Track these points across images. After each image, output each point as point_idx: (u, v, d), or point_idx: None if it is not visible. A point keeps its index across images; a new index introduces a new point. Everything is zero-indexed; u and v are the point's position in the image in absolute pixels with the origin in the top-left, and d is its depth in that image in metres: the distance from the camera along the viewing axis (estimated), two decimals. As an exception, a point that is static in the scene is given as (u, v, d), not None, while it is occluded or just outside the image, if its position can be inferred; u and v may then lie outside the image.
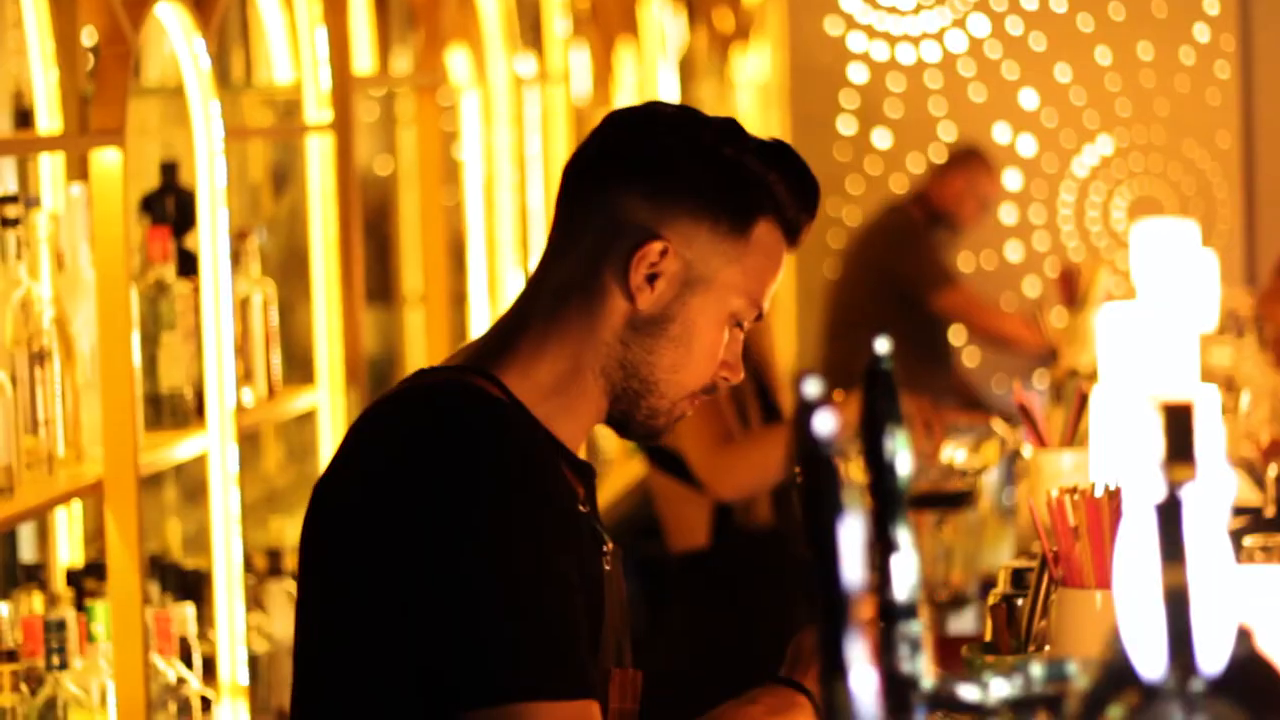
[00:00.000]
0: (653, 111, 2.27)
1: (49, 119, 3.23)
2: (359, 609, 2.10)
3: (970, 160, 7.28)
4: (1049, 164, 7.97)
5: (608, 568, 2.19)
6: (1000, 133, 7.95)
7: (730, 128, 2.20)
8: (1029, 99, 7.96)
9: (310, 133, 4.01)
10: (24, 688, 2.95)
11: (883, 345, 1.38)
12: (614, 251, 2.15)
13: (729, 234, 2.16)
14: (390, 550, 2.07)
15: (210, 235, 3.50)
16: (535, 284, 2.21)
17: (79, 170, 3.37)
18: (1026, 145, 7.97)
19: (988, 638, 3.26)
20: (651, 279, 2.15)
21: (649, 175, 2.17)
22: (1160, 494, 1.09)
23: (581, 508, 2.16)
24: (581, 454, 2.25)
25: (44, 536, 3.52)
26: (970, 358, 7.88)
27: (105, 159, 3.19)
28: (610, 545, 2.20)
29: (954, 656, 2.83)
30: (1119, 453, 3.00)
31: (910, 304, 6.90)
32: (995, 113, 7.95)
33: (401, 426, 2.12)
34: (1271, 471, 4.18)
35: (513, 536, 2.05)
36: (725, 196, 2.16)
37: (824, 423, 1.12)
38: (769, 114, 8.13)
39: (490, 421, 2.09)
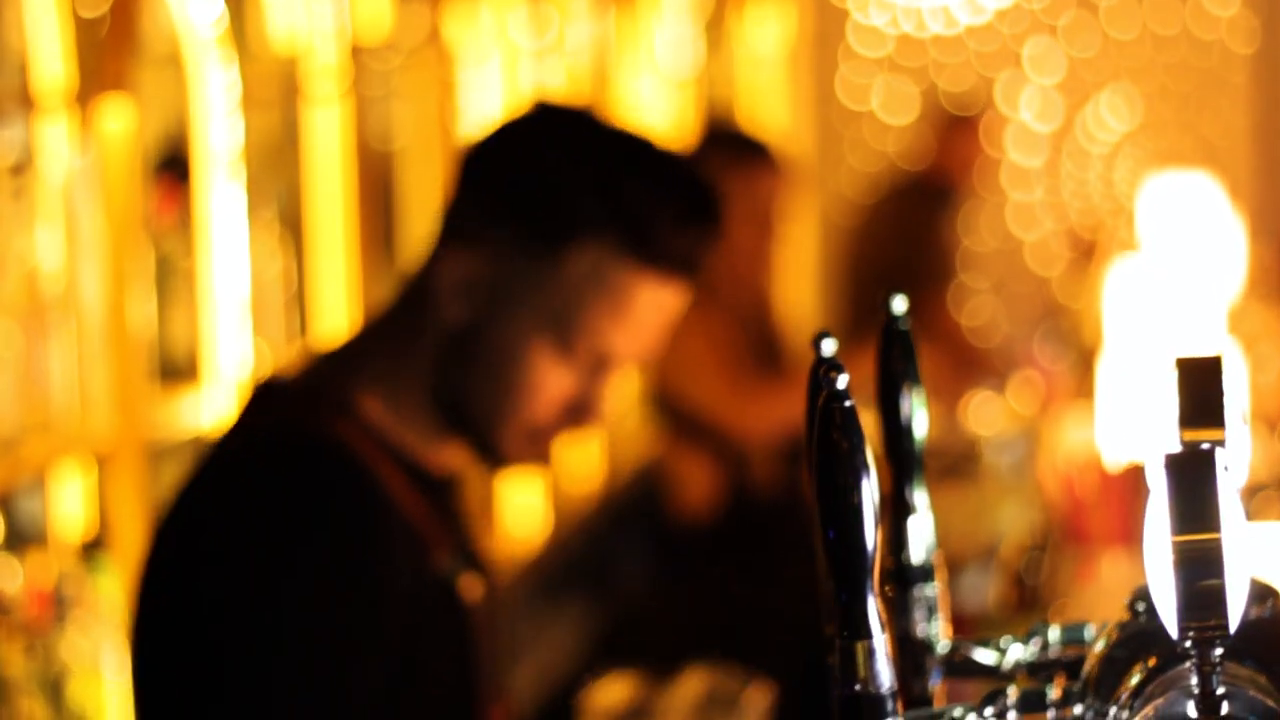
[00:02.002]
0: (543, 116, 2.06)
1: (60, 77, 3.22)
2: (150, 666, 1.93)
3: (956, 123, 7.25)
4: (1064, 133, 7.94)
5: (469, 598, 2.00)
6: (1014, 102, 7.93)
7: (607, 139, 2.00)
8: (1043, 68, 7.92)
9: (317, 103, 4.00)
10: (32, 652, 2.95)
11: (899, 304, 1.36)
12: (437, 256, 1.99)
13: (542, 251, 1.95)
14: (183, 623, 1.89)
15: (221, 197, 3.49)
16: (406, 282, 2.06)
17: (89, 130, 3.36)
18: (1041, 115, 7.94)
19: (998, 603, 3.25)
20: (461, 292, 1.96)
21: (483, 177, 2.00)
22: (1179, 453, 1.07)
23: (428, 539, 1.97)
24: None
25: (48, 502, 3.51)
26: (981, 314, 7.86)
27: (115, 118, 3.18)
28: (472, 572, 2.01)
29: (957, 624, 2.83)
30: (1133, 413, 2.99)
31: (919, 273, 6.88)
32: (1005, 83, 7.92)
33: (229, 489, 1.92)
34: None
35: (309, 653, 1.85)
36: (539, 209, 1.96)
37: (840, 382, 1.10)
38: (783, 85, 8.10)
39: (318, 492, 1.88)
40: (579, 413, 1.98)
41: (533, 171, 1.97)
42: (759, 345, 4.13)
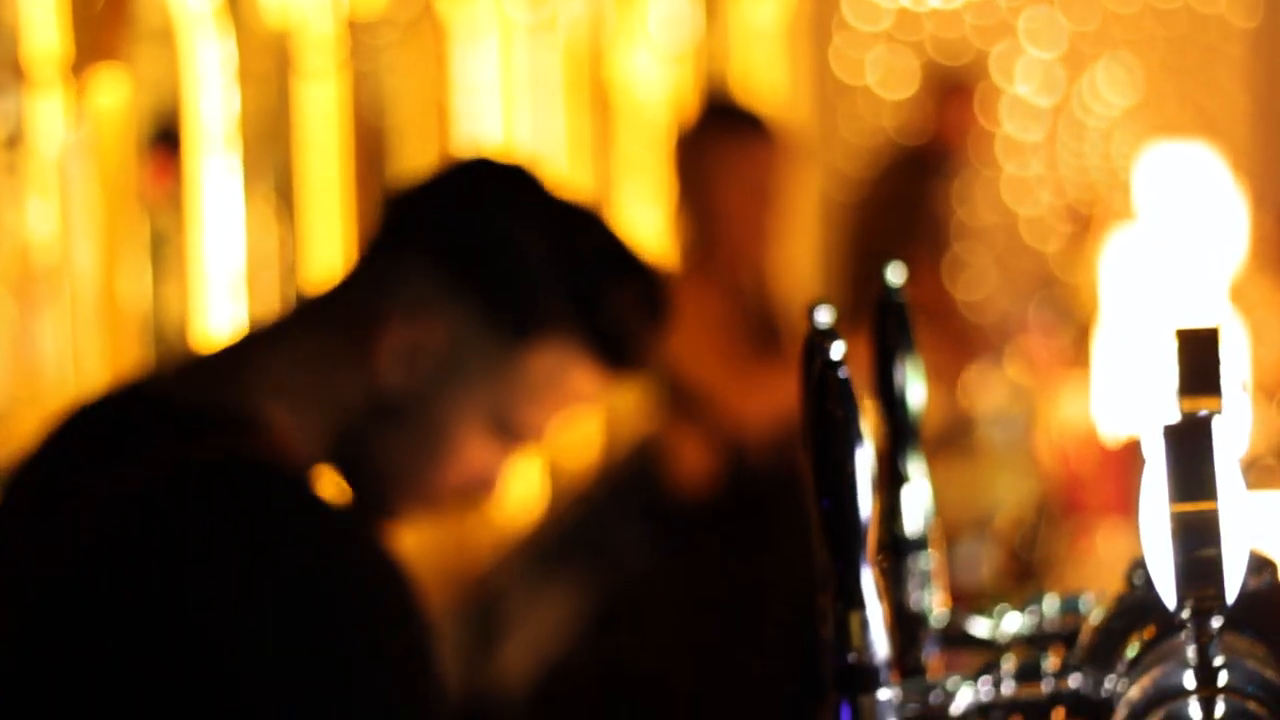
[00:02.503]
0: (492, 176, 1.99)
1: (54, 49, 3.21)
2: None
3: (963, 94, 7.24)
4: (1062, 109, 7.93)
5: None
6: (1012, 76, 7.92)
7: (572, 222, 1.94)
8: (1042, 41, 7.92)
9: (312, 78, 3.99)
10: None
11: (895, 275, 1.36)
12: (376, 311, 1.88)
13: (508, 340, 1.88)
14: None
15: (215, 172, 3.49)
16: (308, 312, 1.96)
17: (83, 102, 3.35)
18: (1040, 89, 7.93)
19: (993, 575, 3.25)
20: (405, 358, 1.87)
21: (443, 245, 1.89)
22: (1178, 422, 1.06)
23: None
24: None
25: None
26: (980, 286, 7.85)
27: (110, 91, 3.17)
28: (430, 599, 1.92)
29: (953, 594, 2.82)
30: (1130, 385, 2.98)
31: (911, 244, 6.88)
32: (1008, 56, 7.91)
33: (190, 523, 1.73)
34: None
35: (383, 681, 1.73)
36: (513, 297, 1.89)
37: (834, 351, 1.09)
38: (781, 60, 8.09)
39: (316, 521, 1.77)
40: (482, 484, 1.93)
41: (502, 252, 1.90)
42: (757, 322, 4.10)
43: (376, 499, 1.90)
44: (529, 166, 2.03)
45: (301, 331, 1.91)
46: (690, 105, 6.87)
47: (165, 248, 3.45)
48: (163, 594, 1.70)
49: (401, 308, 1.87)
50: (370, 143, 5.33)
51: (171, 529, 1.73)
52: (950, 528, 3.94)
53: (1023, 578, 3.26)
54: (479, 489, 1.94)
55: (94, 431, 1.83)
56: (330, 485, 1.88)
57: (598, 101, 6.37)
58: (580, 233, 1.93)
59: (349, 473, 1.89)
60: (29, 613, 1.75)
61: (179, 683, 1.68)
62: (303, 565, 1.74)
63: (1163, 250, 3.47)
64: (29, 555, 1.78)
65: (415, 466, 1.88)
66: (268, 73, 4.72)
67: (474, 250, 1.89)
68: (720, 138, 4.04)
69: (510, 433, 1.91)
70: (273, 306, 3.77)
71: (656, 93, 6.53)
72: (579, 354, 1.91)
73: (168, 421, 1.80)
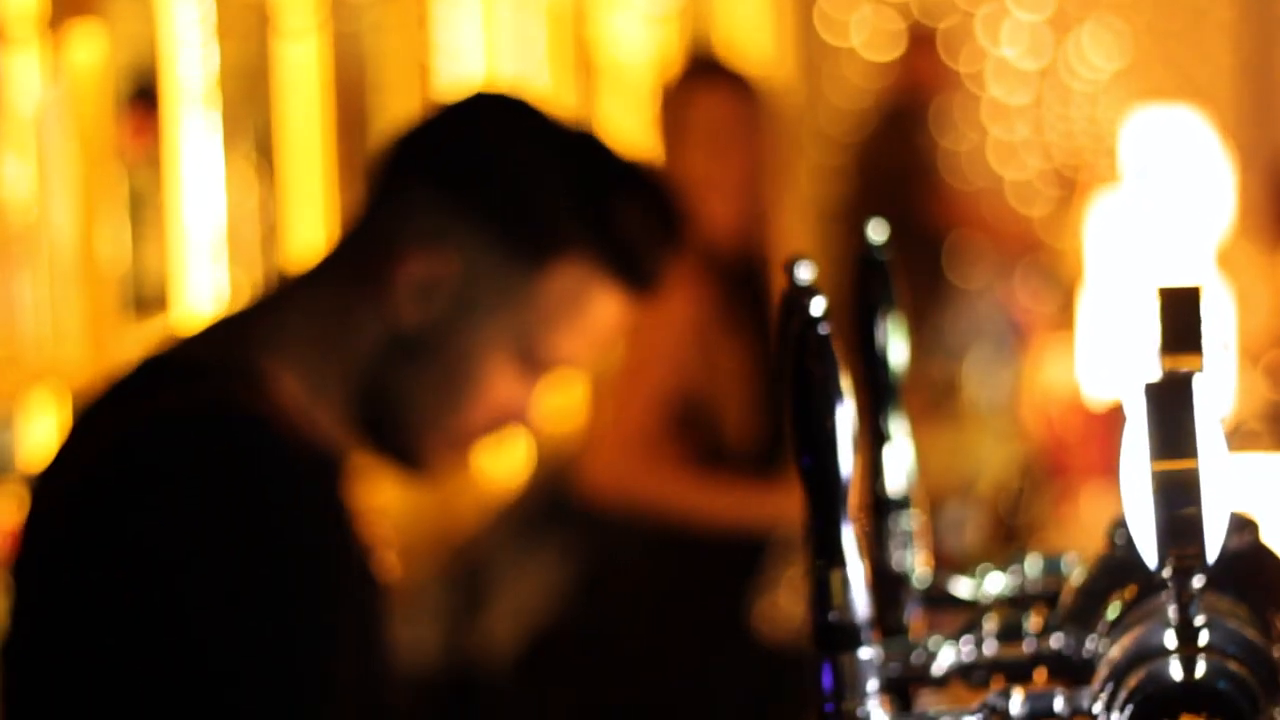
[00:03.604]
0: (495, 106, 1.97)
1: (30, 4, 3.19)
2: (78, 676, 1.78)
3: (929, 41, 7.26)
4: (1049, 72, 7.93)
5: (384, 579, 1.92)
6: (998, 39, 7.91)
7: (577, 144, 1.93)
8: (1029, 4, 7.91)
9: (290, 37, 3.98)
10: (2, 585, 2.94)
11: (878, 231, 1.35)
12: (390, 248, 1.87)
13: (525, 264, 1.88)
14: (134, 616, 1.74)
15: (194, 130, 3.48)
16: (322, 260, 1.93)
17: (60, 59, 3.33)
18: (1026, 53, 7.92)
19: (976, 537, 3.25)
20: (424, 292, 1.86)
21: (454, 175, 1.89)
22: (1159, 380, 1.05)
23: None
24: None
25: (18, 434, 3.50)
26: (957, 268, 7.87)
27: (87, 47, 3.16)
28: (393, 559, 1.92)
29: (936, 557, 2.81)
30: (1114, 348, 2.98)
31: (905, 218, 6.88)
32: (994, 17, 7.90)
33: (159, 468, 1.77)
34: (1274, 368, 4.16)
35: (297, 628, 1.74)
36: (527, 221, 1.88)
37: (816, 307, 1.08)
38: (767, 22, 8.07)
39: (272, 473, 1.77)
40: (511, 419, 1.92)
41: (513, 177, 1.89)
42: (737, 287, 3.93)
43: (404, 448, 1.89)
44: (527, 95, 2.02)
45: (317, 280, 1.91)
46: (673, 66, 6.86)
47: (144, 206, 3.44)
48: (119, 531, 1.75)
49: (416, 241, 1.86)
50: (351, 101, 5.32)
51: (138, 471, 1.77)
52: (935, 490, 3.94)
53: (1006, 539, 3.26)
54: (508, 423, 1.92)
55: (113, 386, 1.87)
56: (338, 436, 1.87)
57: (580, 62, 6.36)
58: (588, 153, 1.92)
59: (374, 423, 1.88)
60: (29, 553, 1.84)
61: (126, 608, 1.74)
62: (250, 508, 1.75)
63: (1149, 214, 3.46)
64: (38, 500, 1.86)
65: (442, 405, 1.87)
66: (248, 30, 4.70)
67: (484, 178, 1.89)
68: (697, 91, 3.89)
69: (535, 362, 1.89)
70: (253, 265, 3.75)
71: (640, 54, 6.52)
72: (597, 273, 1.89)
73: (167, 375, 1.84)
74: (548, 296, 1.88)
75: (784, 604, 3.54)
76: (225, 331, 1.90)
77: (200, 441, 1.78)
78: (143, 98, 3.58)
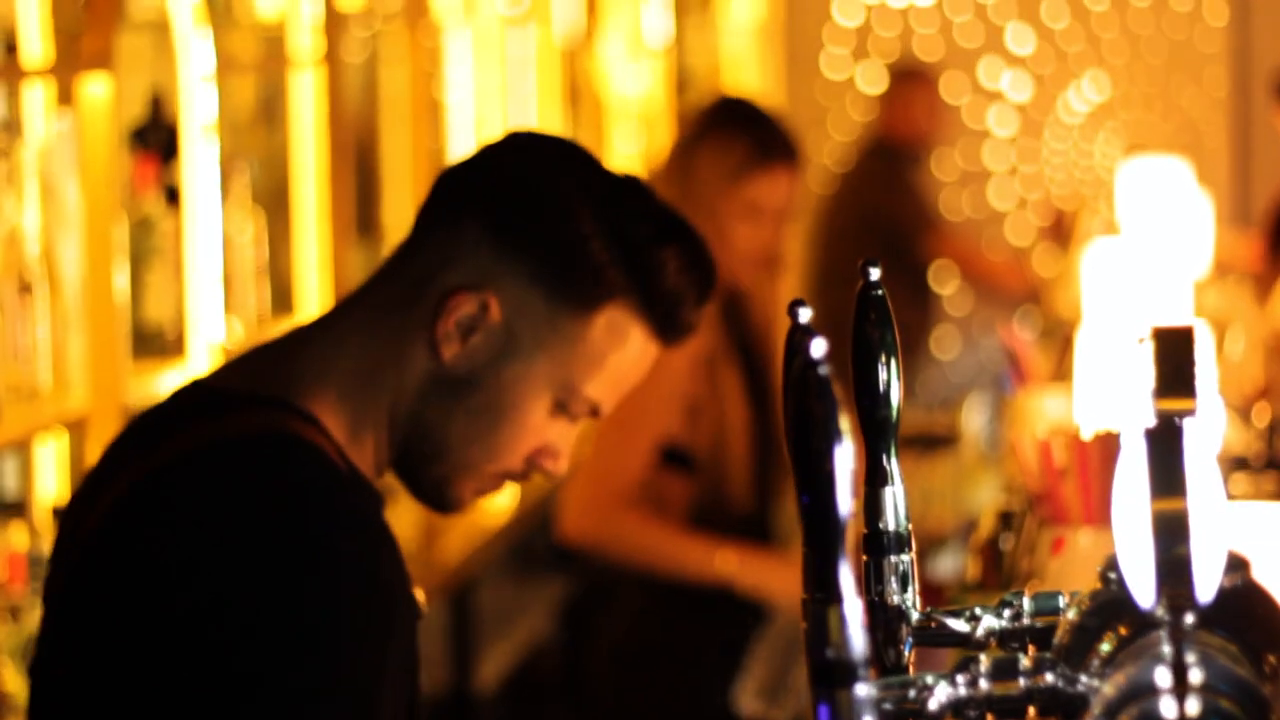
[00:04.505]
0: (544, 150, 2.01)
1: (37, 48, 3.21)
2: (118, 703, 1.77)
3: (901, 80, 7.26)
4: (1039, 107, 7.95)
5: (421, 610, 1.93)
6: (990, 74, 7.93)
7: (622, 192, 1.96)
8: (1020, 40, 7.93)
9: (297, 68, 3.99)
10: (8, 620, 2.95)
11: (875, 273, 1.37)
12: (435, 286, 1.89)
13: (569, 310, 1.90)
14: (181, 641, 1.74)
15: (197, 167, 3.49)
16: (362, 293, 1.96)
17: (67, 101, 3.35)
18: (1017, 88, 7.95)
19: (970, 578, 3.26)
20: (466, 332, 1.89)
21: (501, 217, 1.91)
22: (1153, 423, 1.07)
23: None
24: None
25: (27, 470, 3.51)
26: (956, 304, 7.87)
27: (93, 89, 3.17)
28: (421, 596, 1.92)
29: (935, 599, 2.82)
30: (1106, 388, 3.00)
31: (896, 251, 6.89)
32: (986, 54, 7.93)
33: (217, 494, 1.78)
34: (1261, 415, 4.18)
35: (351, 650, 1.75)
36: (574, 268, 1.90)
37: (815, 349, 1.10)
38: (759, 55, 8.10)
39: (331, 501, 1.78)
40: (543, 460, 1.94)
41: (560, 224, 1.91)
42: (742, 370, 3.77)
43: (437, 484, 1.92)
44: (571, 141, 2.06)
45: (360, 313, 1.93)
46: (667, 100, 6.89)
47: (149, 242, 3.45)
48: (165, 557, 1.76)
49: (461, 282, 1.89)
50: (356, 134, 5.34)
51: (183, 498, 1.79)
52: (931, 528, 3.95)
53: (1001, 579, 3.27)
54: (539, 465, 1.94)
55: (153, 415, 1.90)
56: (375, 468, 1.89)
57: (577, 96, 6.38)
58: (629, 202, 1.95)
59: (410, 458, 1.91)
60: (67, 577, 1.84)
61: (171, 634, 1.74)
62: (301, 536, 1.76)
63: (1140, 256, 3.48)
64: (77, 528, 1.85)
65: (479, 444, 1.90)
66: (254, 64, 4.72)
67: (531, 222, 1.91)
68: (756, 176, 3.62)
69: (569, 405, 1.92)
70: (257, 302, 3.77)
71: (635, 87, 6.54)
72: (634, 320, 1.93)
73: (209, 404, 1.85)
74: (588, 342, 1.91)
75: (760, 685, 3.52)
76: (265, 363, 1.91)
77: (248, 468, 1.79)
78: (149, 135, 3.60)
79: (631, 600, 3.76)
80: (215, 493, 1.78)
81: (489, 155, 2.00)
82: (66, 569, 1.86)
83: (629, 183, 1.98)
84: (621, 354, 1.93)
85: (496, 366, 1.89)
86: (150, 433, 1.87)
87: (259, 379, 1.88)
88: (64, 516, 1.93)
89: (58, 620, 1.86)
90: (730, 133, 3.69)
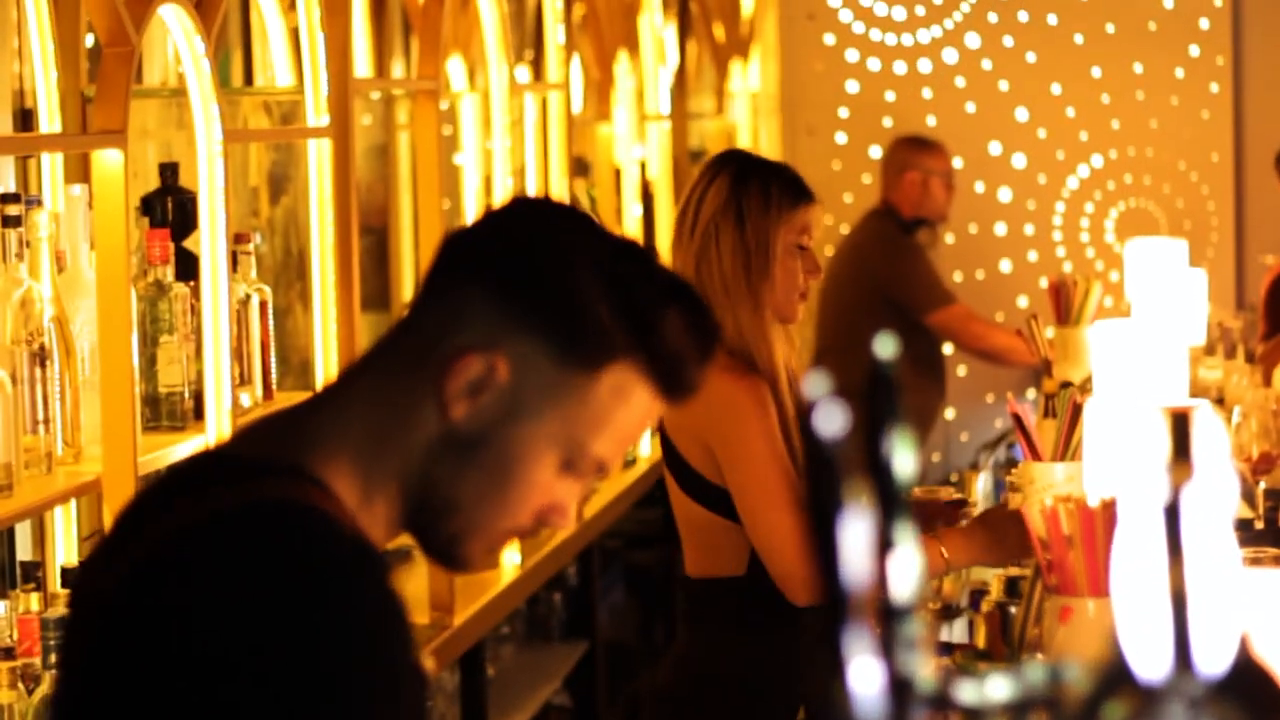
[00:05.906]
0: (548, 214, 2.03)
1: (50, 119, 3.24)
2: None
3: (911, 149, 7.23)
4: (1041, 179, 7.99)
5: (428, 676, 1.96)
6: (993, 147, 7.98)
7: (625, 255, 1.99)
8: (1022, 114, 7.98)
9: (309, 137, 4.01)
10: (21, 686, 2.96)
11: (885, 346, 1.39)
12: (443, 348, 1.93)
13: (576, 370, 1.94)
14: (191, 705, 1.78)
15: (209, 238, 3.51)
16: (372, 357, 1.99)
17: (80, 171, 3.39)
18: (1019, 160, 7.99)
19: (980, 646, 3.27)
20: (475, 393, 1.92)
21: (508, 280, 1.94)
22: (1165, 496, 1.09)
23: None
24: None
25: (41, 535, 3.53)
26: (963, 372, 7.89)
27: (106, 159, 3.20)
28: (431, 663, 1.99)
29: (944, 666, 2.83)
30: (1112, 462, 3.02)
31: (903, 319, 6.89)
32: (988, 127, 7.97)
33: (228, 562, 1.81)
34: (1260, 486, 4.20)
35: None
36: (580, 329, 1.94)
37: (830, 420, 1.13)
38: (764, 125, 8.15)
39: (340, 569, 1.81)
40: (551, 518, 1.98)
41: (567, 286, 1.94)
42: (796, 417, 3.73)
43: (449, 544, 1.96)
44: (574, 205, 2.08)
45: (369, 377, 1.97)
46: (670, 165, 6.92)
47: (164, 313, 3.47)
48: (175, 624, 1.80)
49: (469, 344, 1.92)
50: (370, 201, 5.37)
51: (194, 564, 1.82)
52: (942, 594, 3.96)
53: (1011, 646, 3.29)
54: (547, 523, 1.98)
55: (167, 483, 1.94)
56: (379, 529, 1.93)
57: (585, 163, 6.42)
58: (632, 265, 1.99)
59: (421, 519, 1.95)
60: (86, 637, 1.89)
61: (182, 699, 1.78)
62: (310, 603, 1.79)
63: (1145, 335, 3.51)
64: (92, 593, 1.90)
65: (488, 503, 1.93)
66: (267, 135, 4.76)
67: (537, 284, 1.95)
68: (797, 194, 3.65)
69: (575, 463, 1.96)
70: (271, 370, 3.79)
71: (637, 153, 6.58)
72: (639, 379, 1.96)
73: (222, 471, 1.90)
74: (594, 401, 1.94)
75: None
76: (277, 430, 1.95)
77: (259, 536, 1.83)
78: (162, 207, 3.62)
79: (682, 642, 3.74)
80: (226, 561, 1.81)
81: (495, 219, 2.04)
82: (82, 633, 1.90)
83: (630, 246, 2.02)
84: (627, 412, 1.96)
85: (505, 426, 1.92)
86: (164, 500, 1.91)
87: (271, 446, 1.92)
88: (77, 582, 1.97)
89: (73, 683, 1.90)
90: (766, 172, 3.73)
